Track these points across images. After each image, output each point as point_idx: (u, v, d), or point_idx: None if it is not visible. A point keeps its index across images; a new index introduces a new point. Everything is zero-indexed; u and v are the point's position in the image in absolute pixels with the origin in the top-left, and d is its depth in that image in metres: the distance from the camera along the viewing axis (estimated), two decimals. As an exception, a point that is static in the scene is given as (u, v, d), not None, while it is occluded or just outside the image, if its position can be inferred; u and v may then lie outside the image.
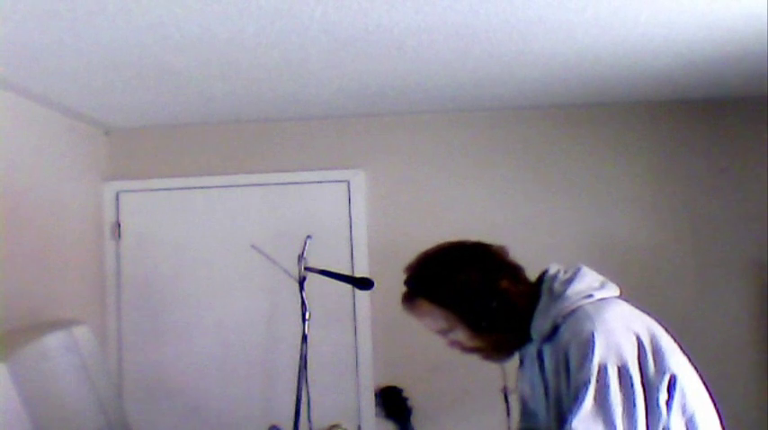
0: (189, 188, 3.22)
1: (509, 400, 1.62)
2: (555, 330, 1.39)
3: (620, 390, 1.26)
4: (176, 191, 3.23)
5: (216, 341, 3.15)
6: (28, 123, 2.61)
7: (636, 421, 1.25)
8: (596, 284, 1.44)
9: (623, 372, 1.27)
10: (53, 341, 2.14)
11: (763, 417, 2.86)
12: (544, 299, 1.43)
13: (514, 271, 1.49)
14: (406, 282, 1.53)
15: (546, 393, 1.42)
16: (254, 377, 3.12)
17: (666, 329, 1.40)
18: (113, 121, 3.12)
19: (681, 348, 1.38)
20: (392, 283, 3.03)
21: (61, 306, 2.73)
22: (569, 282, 1.42)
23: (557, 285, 1.43)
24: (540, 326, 1.42)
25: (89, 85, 2.51)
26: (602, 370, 1.26)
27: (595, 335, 1.29)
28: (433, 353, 3.09)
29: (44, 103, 2.66)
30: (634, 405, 1.26)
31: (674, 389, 1.29)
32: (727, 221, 3.11)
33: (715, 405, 1.38)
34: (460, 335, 1.49)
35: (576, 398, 1.27)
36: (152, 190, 3.23)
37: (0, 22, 1.80)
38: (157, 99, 2.75)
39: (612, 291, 1.45)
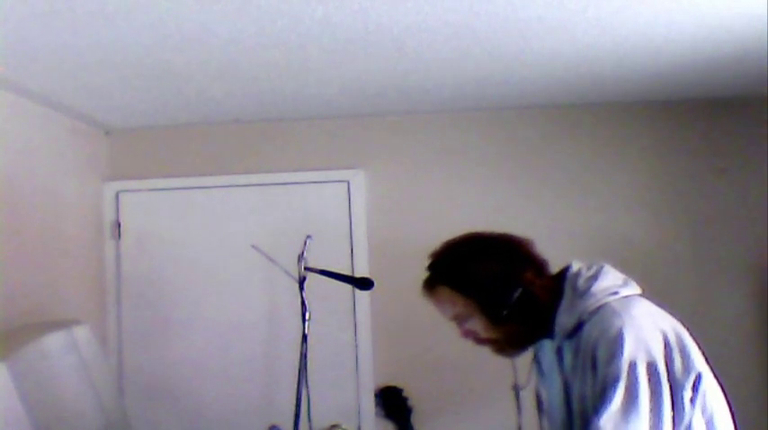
0: (189, 188, 3.22)
1: (520, 397, 1.61)
2: (578, 327, 1.38)
3: (649, 388, 1.26)
4: (176, 191, 3.23)
5: (216, 341, 3.15)
6: (28, 123, 2.61)
7: (662, 419, 1.25)
8: (620, 282, 1.44)
9: (652, 370, 1.27)
10: (53, 341, 2.13)
11: (764, 417, 2.86)
12: (568, 295, 1.42)
13: (539, 264, 1.49)
14: (429, 268, 1.52)
15: (566, 391, 1.42)
16: (254, 377, 3.12)
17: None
18: (113, 121, 3.12)
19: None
20: (392, 283, 3.05)
21: (61, 306, 2.73)
22: (594, 278, 1.42)
23: (581, 282, 1.42)
24: (564, 322, 1.41)
25: (89, 85, 2.51)
26: (632, 367, 1.26)
27: (624, 331, 1.28)
28: (433, 353, 3.11)
29: (44, 103, 2.66)
30: (662, 403, 1.25)
31: (699, 387, 1.29)
32: (726, 221, 3.11)
33: (730, 406, 1.38)
34: (477, 324, 1.48)
35: (604, 396, 1.26)
36: (152, 190, 3.23)
37: (0, 22, 1.80)
38: (157, 99, 2.75)
39: (635, 289, 1.45)
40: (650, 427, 1.25)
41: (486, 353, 3.31)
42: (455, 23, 1.98)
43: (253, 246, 2.50)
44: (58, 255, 2.76)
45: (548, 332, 1.45)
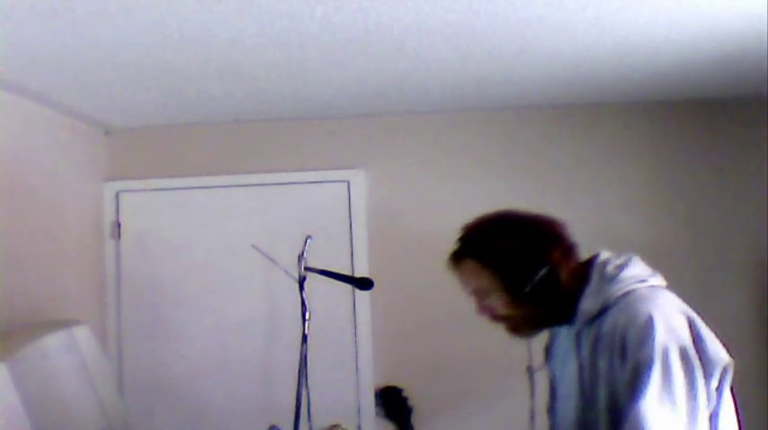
0: (189, 188, 3.22)
1: (533, 380, 1.60)
2: (601, 313, 1.38)
3: (683, 372, 1.25)
4: (176, 191, 3.23)
5: (216, 341, 3.15)
6: (28, 123, 2.61)
7: (698, 404, 1.25)
8: (647, 272, 1.44)
9: (685, 354, 1.26)
10: (53, 341, 2.13)
11: (764, 417, 2.86)
12: (595, 280, 1.42)
13: (569, 247, 1.48)
14: (459, 240, 1.52)
15: (581, 377, 1.41)
16: (254, 377, 3.12)
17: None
18: (113, 121, 3.12)
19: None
20: (392, 283, 3.05)
21: (61, 306, 2.73)
22: (623, 267, 1.42)
23: (610, 268, 1.42)
24: (588, 306, 1.40)
25: (89, 85, 2.51)
26: (665, 351, 1.25)
27: (654, 317, 1.28)
28: (433, 353, 3.11)
29: (44, 102, 2.66)
30: (696, 387, 1.25)
31: (726, 378, 1.30)
32: (727, 221, 3.11)
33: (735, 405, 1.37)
34: (497, 300, 1.47)
35: (639, 381, 1.25)
36: (152, 190, 3.23)
37: (0, 22, 1.80)
38: (157, 99, 2.75)
39: (662, 281, 1.46)
40: (687, 412, 1.24)
41: (485, 353, 3.32)
42: (455, 23, 1.98)
43: (253, 246, 2.51)
44: (58, 255, 2.76)
45: (568, 317, 1.45)
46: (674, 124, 3.17)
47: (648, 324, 1.28)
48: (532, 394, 1.60)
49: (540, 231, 1.48)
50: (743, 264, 3.09)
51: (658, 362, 1.25)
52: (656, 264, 1.50)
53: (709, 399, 1.27)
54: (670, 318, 1.30)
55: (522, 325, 1.50)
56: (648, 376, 1.24)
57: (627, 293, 1.37)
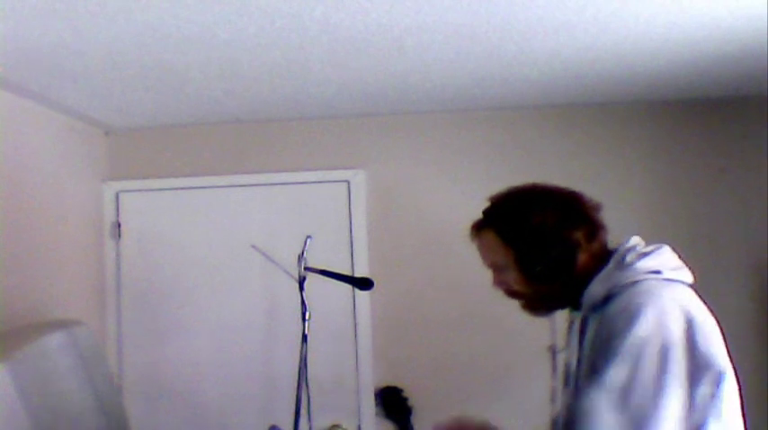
0: (189, 188, 3.22)
1: (556, 359, 1.57)
2: (607, 300, 1.30)
3: (657, 370, 1.16)
4: (176, 191, 3.23)
5: (216, 341, 3.15)
6: (28, 123, 2.61)
7: (664, 407, 1.15)
8: (671, 264, 1.34)
9: (666, 353, 1.17)
10: (53, 341, 2.13)
11: (764, 417, 2.86)
12: (610, 266, 1.34)
13: (595, 228, 1.40)
14: (484, 211, 1.48)
15: (578, 366, 1.35)
16: (254, 377, 3.12)
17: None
18: (113, 121, 3.12)
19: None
20: (392, 283, 3.04)
21: (61, 306, 2.73)
22: (645, 255, 1.33)
23: (631, 255, 1.34)
24: (594, 291, 1.33)
25: (89, 85, 2.51)
26: (642, 345, 1.17)
27: (645, 309, 1.20)
28: (433, 353, 3.11)
29: (44, 102, 2.66)
30: (667, 389, 1.16)
31: (721, 386, 1.19)
32: (726, 221, 3.11)
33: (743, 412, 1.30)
34: (511, 276, 1.41)
35: (602, 367, 1.19)
36: (152, 190, 3.23)
37: (0, 22, 1.80)
38: (157, 99, 2.75)
39: (686, 276, 1.36)
40: (643, 415, 1.15)
41: (485, 353, 3.32)
42: (455, 23, 1.98)
43: (253, 246, 2.51)
44: (57, 255, 2.76)
45: (579, 301, 1.38)
46: (674, 124, 3.17)
47: (635, 315, 1.20)
48: (554, 373, 1.56)
49: (565, 209, 1.40)
50: (742, 264, 3.09)
51: (628, 354, 1.17)
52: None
53: (692, 407, 1.17)
54: (665, 314, 1.21)
55: (537, 303, 1.45)
56: (612, 364, 1.18)
57: (635, 283, 1.28)
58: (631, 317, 1.21)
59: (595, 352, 1.26)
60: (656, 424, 1.16)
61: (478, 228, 1.47)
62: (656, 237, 3.20)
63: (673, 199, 3.14)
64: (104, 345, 3.03)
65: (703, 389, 1.18)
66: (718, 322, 1.30)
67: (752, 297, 3.07)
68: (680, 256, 1.39)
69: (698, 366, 1.19)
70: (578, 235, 1.36)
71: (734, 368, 1.25)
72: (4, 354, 1.86)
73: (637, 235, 1.44)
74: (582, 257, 1.36)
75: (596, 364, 1.22)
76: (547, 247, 1.35)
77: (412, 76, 2.55)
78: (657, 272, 1.30)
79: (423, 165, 3.21)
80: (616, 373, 1.18)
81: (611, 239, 1.44)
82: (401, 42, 2.13)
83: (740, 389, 1.27)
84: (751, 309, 3.07)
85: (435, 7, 1.84)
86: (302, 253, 2.35)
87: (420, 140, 3.22)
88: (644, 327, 1.19)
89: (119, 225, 3.20)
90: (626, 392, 1.17)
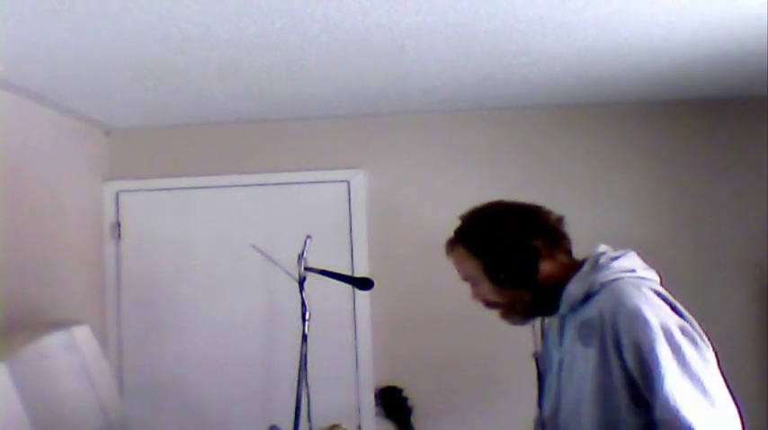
0: (189, 188, 3.22)
1: (540, 365, 1.61)
2: (585, 299, 1.39)
3: (692, 347, 1.27)
4: (176, 191, 3.23)
5: (216, 341, 3.15)
6: (28, 123, 2.61)
7: (714, 372, 1.27)
8: (641, 265, 1.45)
9: (685, 330, 1.29)
10: (53, 341, 2.14)
11: (764, 417, 2.86)
12: (586, 268, 1.43)
13: (556, 238, 1.50)
14: (455, 229, 1.58)
15: (560, 365, 1.43)
16: (254, 377, 3.12)
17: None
18: (113, 121, 3.12)
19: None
20: (392, 283, 3.04)
21: (61, 306, 2.73)
22: (616, 258, 1.43)
23: (603, 259, 1.43)
24: (573, 291, 1.41)
25: (89, 85, 2.51)
26: (667, 330, 1.26)
27: (641, 304, 1.30)
28: (432, 353, 3.11)
29: (44, 102, 2.66)
30: (706, 358, 1.27)
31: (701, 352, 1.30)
32: (726, 221, 3.11)
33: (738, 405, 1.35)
34: (484, 286, 1.52)
35: (651, 366, 1.24)
36: (152, 190, 3.23)
37: (0, 22, 1.80)
38: (157, 99, 2.75)
39: (654, 276, 1.46)
40: (709, 384, 1.24)
41: (485, 353, 3.32)
42: (455, 23, 1.98)
43: (253, 246, 2.51)
44: (58, 255, 2.76)
45: (557, 306, 1.46)
46: (674, 124, 3.17)
47: (637, 307, 1.29)
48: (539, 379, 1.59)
49: (524, 220, 1.51)
50: (742, 264, 3.09)
51: (662, 341, 1.25)
52: (656, 263, 1.50)
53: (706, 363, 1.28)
54: (657, 307, 1.31)
55: (511, 311, 1.53)
56: (658, 358, 1.24)
57: (612, 281, 1.38)
58: (635, 310, 1.29)
59: (606, 353, 1.32)
60: (713, 381, 1.26)
61: (451, 245, 1.58)
62: (656, 237, 3.21)
63: (673, 199, 3.14)
64: (104, 345, 3.03)
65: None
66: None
67: (752, 296, 3.07)
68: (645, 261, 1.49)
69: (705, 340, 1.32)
70: (538, 243, 1.46)
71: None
72: (4, 354, 1.86)
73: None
74: (547, 265, 1.46)
75: (648, 373, 1.26)
76: (510, 255, 1.46)
77: (412, 76, 2.55)
78: (632, 270, 1.41)
79: (423, 165, 3.21)
80: (667, 361, 1.24)
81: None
82: (401, 42, 2.13)
83: (738, 386, 1.35)
84: (751, 309, 3.07)
85: (435, 7, 1.84)
86: (302, 253, 2.35)
87: (420, 140, 3.22)
88: (655, 317, 1.28)
89: (119, 225, 3.20)
90: (686, 372, 1.25)
